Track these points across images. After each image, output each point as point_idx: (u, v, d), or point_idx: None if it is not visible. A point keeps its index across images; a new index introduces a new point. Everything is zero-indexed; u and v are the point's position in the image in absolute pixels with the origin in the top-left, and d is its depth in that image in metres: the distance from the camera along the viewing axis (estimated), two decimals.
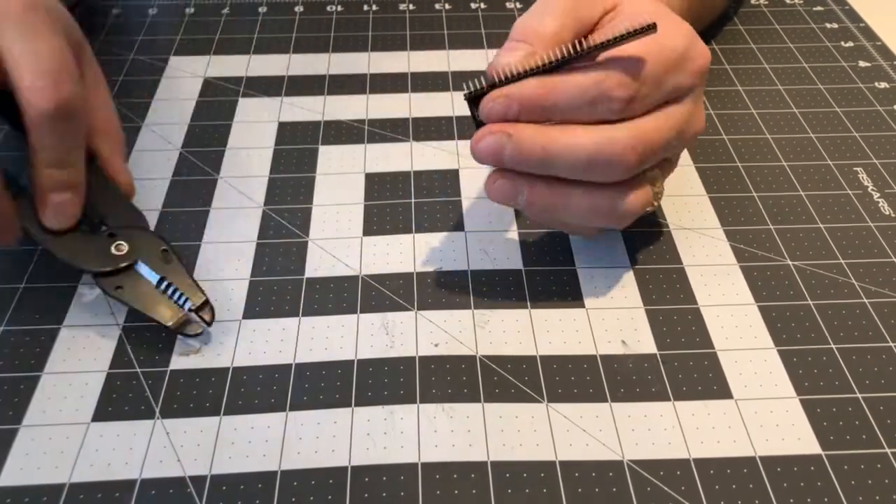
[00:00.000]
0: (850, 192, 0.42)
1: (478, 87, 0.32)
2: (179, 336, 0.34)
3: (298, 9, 0.56)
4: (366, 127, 0.46)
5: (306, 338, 0.34)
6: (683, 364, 0.34)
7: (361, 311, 0.36)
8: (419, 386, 0.33)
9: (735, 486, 0.29)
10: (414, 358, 0.34)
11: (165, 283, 0.34)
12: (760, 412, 0.32)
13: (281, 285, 0.37)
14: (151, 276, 0.34)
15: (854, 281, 0.37)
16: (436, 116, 0.46)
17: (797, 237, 0.39)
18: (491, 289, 0.37)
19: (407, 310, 0.36)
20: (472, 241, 0.39)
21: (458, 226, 0.40)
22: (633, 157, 0.31)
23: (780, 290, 0.37)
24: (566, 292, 0.36)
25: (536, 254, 0.38)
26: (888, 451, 0.31)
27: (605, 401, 0.32)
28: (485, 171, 0.37)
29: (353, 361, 0.34)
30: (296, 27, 0.54)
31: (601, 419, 0.31)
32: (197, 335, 0.34)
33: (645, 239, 0.39)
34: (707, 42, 0.51)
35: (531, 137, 0.32)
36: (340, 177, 0.43)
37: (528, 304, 0.36)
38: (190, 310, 0.33)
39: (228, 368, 0.33)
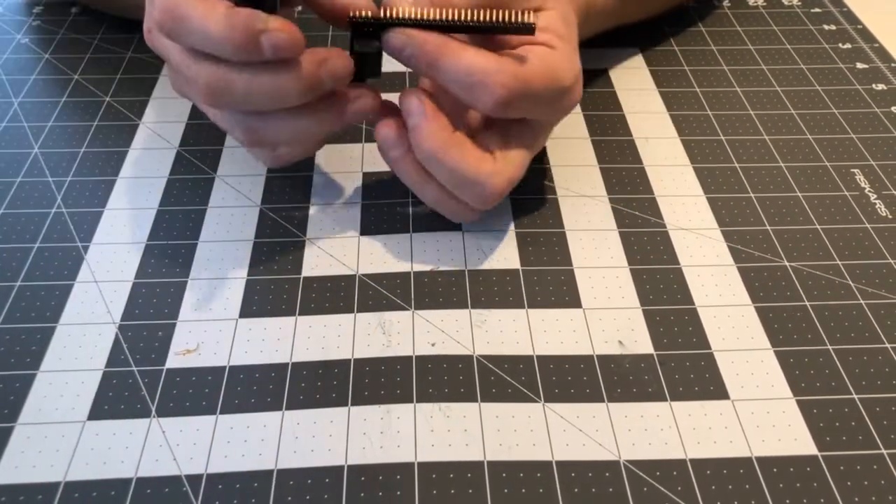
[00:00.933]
0: (847, 193, 0.42)
1: (367, 15, 0.34)
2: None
3: (297, 8, 0.56)
4: (364, 126, 0.46)
5: (303, 337, 0.34)
6: (680, 364, 0.34)
7: (358, 311, 0.36)
8: (416, 385, 0.32)
9: (731, 487, 0.29)
10: (411, 357, 0.34)
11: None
12: (757, 413, 0.32)
13: (278, 284, 0.37)
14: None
15: (851, 282, 0.37)
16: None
17: (794, 238, 0.39)
18: (488, 288, 0.37)
19: (404, 309, 0.36)
20: (470, 241, 0.39)
21: (456, 225, 0.40)
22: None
23: (777, 291, 0.37)
24: (563, 292, 0.36)
25: (533, 253, 0.38)
26: (884, 452, 0.31)
27: (602, 401, 0.32)
28: None
29: (349, 361, 0.33)
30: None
31: (598, 419, 0.31)
32: None
33: (642, 239, 0.39)
34: (702, 42, 0.51)
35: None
36: (338, 176, 0.43)
37: (525, 303, 0.36)
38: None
39: (225, 367, 0.33)
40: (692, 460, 0.30)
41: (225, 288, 0.36)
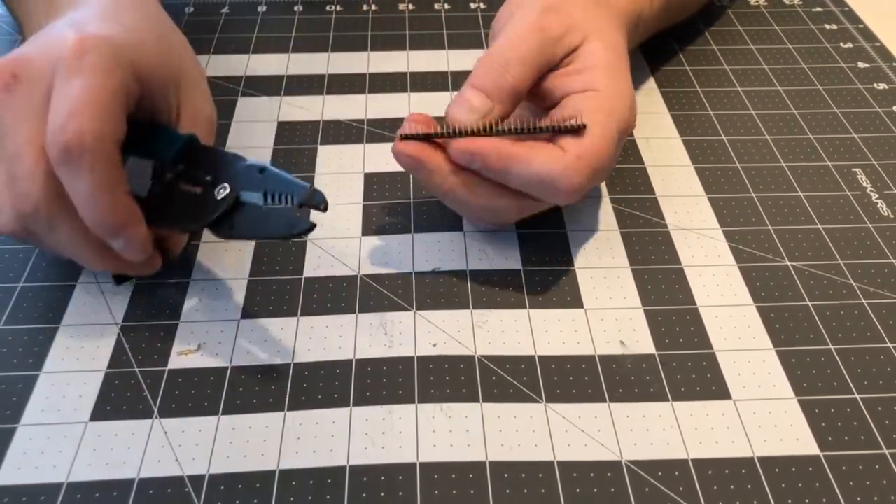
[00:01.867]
0: (848, 192, 0.42)
1: (418, 133, 0.35)
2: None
3: (298, 8, 0.56)
4: (365, 127, 0.46)
5: (305, 337, 0.34)
6: (682, 364, 0.34)
7: (360, 311, 0.36)
8: (417, 386, 0.33)
9: (733, 487, 0.29)
10: (412, 358, 0.34)
11: (269, 196, 0.32)
12: (759, 413, 0.32)
13: (280, 285, 0.37)
14: (257, 199, 0.32)
15: (853, 282, 0.37)
16: (435, 116, 0.46)
17: (796, 238, 0.39)
18: (490, 289, 0.37)
19: (405, 310, 0.36)
20: (471, 241, 0.39)
21: (457, 226, 0.40)
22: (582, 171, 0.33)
23: (779, 291, 0.37)
24: (565, 292, 0.36)
25: (535, 254, 0.38)
26: (886, 451, 0.31)
27: (604, 401, 0.32)
28: None
29: (351, 361, 0.33)
30: (295, 27, 0.54)
31: (599, 419, 0.31)
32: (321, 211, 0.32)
33: (643, 239, 0.39)
34: (704, 42, 0.51)
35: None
36: (339, 176, 0.43)
37: (527, 304, 0.36)
38: (299, 204, 0.31)
39: (227, 368, 0.33)
40: (694, 460, 0.30)
41: (227, 288, 0.36)
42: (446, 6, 0.57)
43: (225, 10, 0.56)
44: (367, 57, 0.51)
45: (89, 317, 0.35)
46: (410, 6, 0.57)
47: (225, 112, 0.47)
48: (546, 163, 0.33)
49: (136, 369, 0.33)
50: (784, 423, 0.31)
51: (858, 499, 0.29)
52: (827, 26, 0.55)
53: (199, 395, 0.32)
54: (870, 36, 0.54)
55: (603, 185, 0.42)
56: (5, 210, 0.31)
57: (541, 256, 0.38)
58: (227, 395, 0.32)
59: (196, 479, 0.30)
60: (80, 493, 0.29)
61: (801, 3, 0.58)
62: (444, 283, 0.37)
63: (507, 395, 0.32)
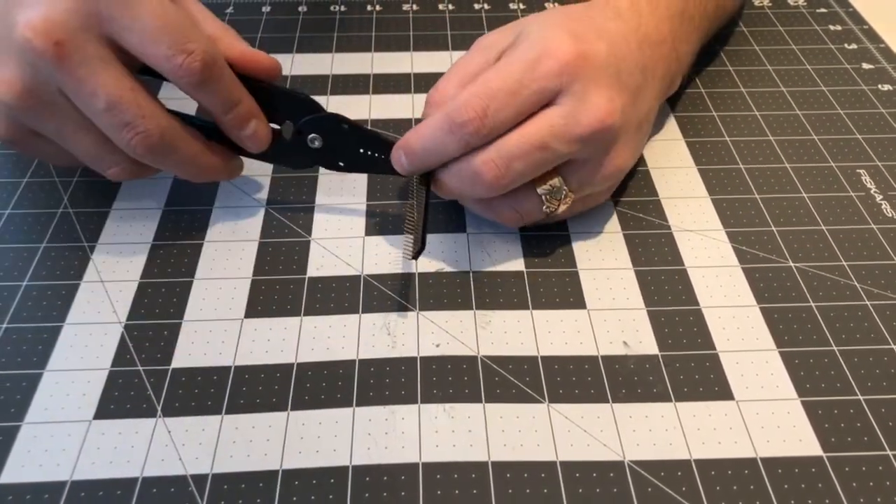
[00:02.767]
0: (852, 193, 0.42)
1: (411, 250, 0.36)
2: None
3: (302, 9, 0.56)
4: (368, 127, 0.46)
5: (308, 337, 0.35)
6: (685, 365, 0.33)
7: (363, 311, 0.36)
8: (420, 386, 0.33)
9: (736, 488, 0.29)
10: (415, 358, 0.34)
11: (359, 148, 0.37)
12: (762, 413, 0.32)
13: (283, 284, 0.37)
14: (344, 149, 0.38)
15: (856, 283, 0.37)
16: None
17: (799, 239, 0.39)
18: (492, 289, 0.37)
19: (408, 310, 0.36)
20: (474, 242, 0.39)
21: (460, 226, 0.40)
22: (489, 172, 0.34)
23: (782, 292, 0.37)
24: (567, 293, 0.36)
25: (538, 255, 0.38)
26: (889, 453, 0.31)
27: (607, 401, 0.32)
28: None
29: (354, 361, 0.34)
30: (299, 27, 0.54)
31: (602, 420, 0.31)
32: None
33: (647, 240, 0.39)
34: (709, 45, 0.51)
35: (416, 158, 0.36)
36: (343, 176, 0.43)
37: (530, 304, 0.36)
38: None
39: (230, 367, 0.33)
40: (697, 461, 0.30)
41: (230, 288, 0.37)
42: (450, 7, 0.57)
43: (229, 10, 0.56)
44: (371, 58, 0.52)
45: (93, 315, 0.35)
46: (414, 7, 0.57)
47: None
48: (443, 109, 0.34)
49: (140, 368, 0.33)
50: (787, 424, 0.31)
51: (861, 500, 0.29)
52: (831, 27, 0.55)
53: (203, 394, 0.32)
54: (874, 37, 0.54)
55: None
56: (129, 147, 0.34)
57: (544, 258, 0.38)
58: (230, 394, 0.32)
59: (199, 479, 0.30)
60: (83, 492, 0.29)
61: (805, 3, 0.58)
62: (448, 284, 0.37)
63: (510, 395, 0.32)
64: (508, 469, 0.30)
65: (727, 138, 0.45)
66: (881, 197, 0.42)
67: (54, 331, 0.35)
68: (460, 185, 0.35)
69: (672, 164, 0.43)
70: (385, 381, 0.33)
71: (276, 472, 0.30)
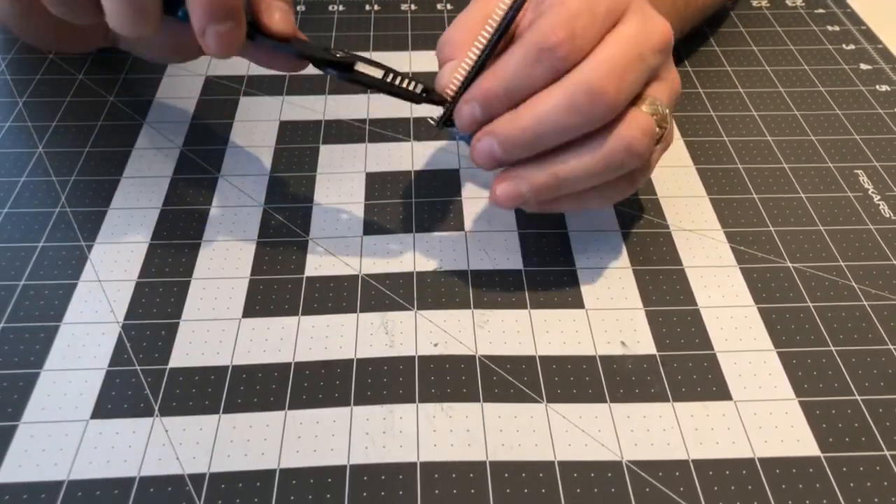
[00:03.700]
0: (850, 194, 0.42)
1: (437, 116, 0.35)
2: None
3: (300, 8, 0.56)
4: (367, 126, 0.46)
5: (306, 337, 0.34)
6: (683, 365, 0.34)
7: (361, 311, 0.36)
8: (418, 385, 0.33)
9: (734, 488, 0.29)
10: (413, 357, 0.34)
11: (391, 75, 0.34)
12: (760, 414, 0.32)
13: (281, 284, 0.37)
14: (376, 73, 0.34)
15: (854, 283, 0.37)
16: (437, 116, 0.46)
17: (797, 239, 0.39)
18: (491, 289, 0.37)
19: (407, 309, 0.36)
20: (472, 241, 0.39)
21: (459, 225, 0.40)
22: (609, 85, 0.31)
23: (780, 292, 0.37)
24: (566, 293, 0.36)
25: (536, 254, 0.38)
26: (887, 453, 0.31)
27: (605, 401, 0.32)
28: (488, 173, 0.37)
29: (352, 360, 0.34)
30: (297, 26, 0.54)
31: (600, 420, 0.31)
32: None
33: (645, 240, 0.39)
34: (707, 45, 0.51)
35: (509, 125, 0.32)
36: (341, 176, 0.43)
37: (528, 304, 0.36)
38: (423, 91, 0.34)
39: (228, 367, 0.33)
40: (694, 461, 0.30)
41: (228, 287, 0.36)
42: (448, 6, 0.57)
43: None
44: (370, 57, 0.51)
45: (91, 315, 0.35)
46: (413, 6, 0.57)
47: (227, 112, 0.47)
48: (525, 37, 0.32)
49: (138, 367, 0.33)
50: (785, 424, 0.31)
51: (859, 500, 0.29)
52: (829, 28, 0.55)
53: (200, 393, 0.32)
54: (872, 38, 0.54)
55: None
56: None
57: (542, 257, 0.38)
58: (227, 393, 0.32)
59: (197, 478, 0.30)
60: (80, 491, 0.29)
61: (803, 4, 0.58)
62: (446, 283, 0.37)
63: (508, 395, 0.32)
64: (506, 469, 0.30)
65: (725, 138, 0.45)
66: (879, 197, 0.42)
67: (51, 330, 0.34)
68: (569, 118, 0.31)
69: (670, 163, 0.43)
70: (383, 381, 0.33)
71: (274, 471, 0.30)
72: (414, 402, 0.32)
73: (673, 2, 0.44)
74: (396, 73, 0.34)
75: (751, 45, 0.53)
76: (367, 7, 0.57)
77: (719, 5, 0.54)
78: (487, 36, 0.33)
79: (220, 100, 0.48)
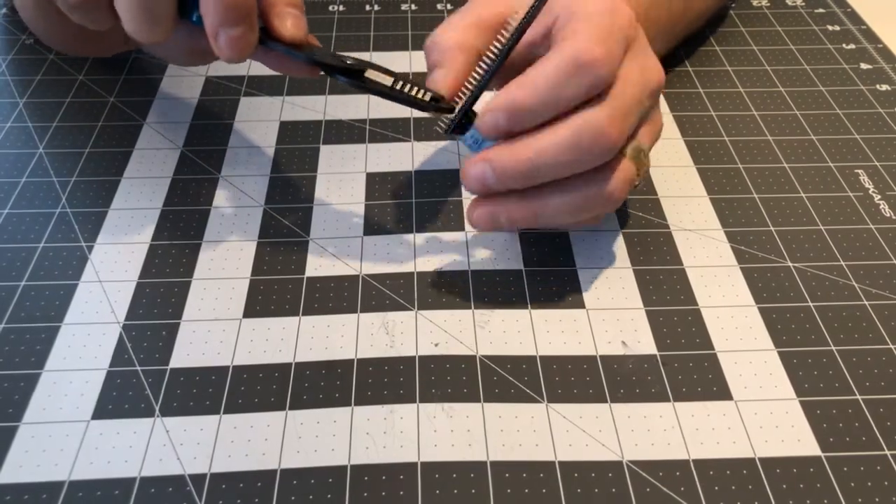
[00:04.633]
0: (850, 193, 0.42)
1: (447, 121, 0.34)
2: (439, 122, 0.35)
3: None
4: (367, 126, 0.46)
5: (306, 337, 0.34)
6: (683, 365, 0.34)
7: (362, 311, 0.36)
8: (419, 385, 0.33)
9: (734, 488, 0.29)
10: (414, 357, 0.34)
11: (400, 83, 0.34)
12: (760, 413, 0.32)
13: (281, 284, 0.37)
14: (385, 80, 0.34)
15: (854, 283, 0.37)
16: (445, 123, 0.46)
17: (798, 239, 0.39)
18: (491, 289, 0.37)
19: (407, 309, 0.36)
20: (473, 242, 0.39)
21: (459, 226, 0.40)
22: (614, 127, 0.31)
23: (781, 292, 0.37)
24: (566, 293, 0.36)
25: (537, 254, 0.38)
26: (888, 453, 0.31)
27: (605, 401, 0.32)
28: None
29: (353, 361, 0.34)
30: None
31: (601, 419, 0.31)
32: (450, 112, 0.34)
33: (645, 240, 0.39)
34: (706, 43, 0.51)
35: (508, 155, 0.32)
36: (341, 176, 0.43)
37: (529, 304, 0.36)
38: (432, 99, 0.34)
39: (228, 367, 0.33)
40: (695, 461, 0.30)
41: (228, 288, 0.36)
42: (449, 6, 0.57)
43: None
44: (370, 57, 0.52)
45: (91, 315, 0.35)
46: (413, 6, 0.57)
47: (227, 112, 0.47)
48: (564, 49, 0.31)
49: (138, 368, 0.33)
50: (785, 424, 0.31)
51: (860, 500, 0.29)
52: (829, 27, 0.55)
53: (201, 394, 0.32)
54: (872, 37, 0.54)
55: None
56: None
57: (542, 257, 0.38)
58: (228, 394, 0.32)
59: (197, 478, 0.30)
60: (81, 492, 0.29)
61: (803, 4, 0.58)
62: (446, 283, 0.37)
63: (509, 395, 0.32)
64: (507, 469, 0.30)
65: (726, 138, 0.45)
66: (879, 197, 0.42)
67: (52, 331, 0.35)
68: (570, 156, 0.31)
69: (671, 163, 0.44)
70: (383, 381, 0.33)
71: (275, 471, 0.30)
72: (415, 402, 0.32)
73: (668, 21, 0.44)
74: (405, 81, 0.34)
75: (751, 44, 0.53)
76: (367, 7, 0.57)
77: (712, 12, 0.54)
78: (500, 46, 0.33)
79: (220, 100, 0.48)
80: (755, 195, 0.42)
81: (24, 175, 0.42)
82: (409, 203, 0.41)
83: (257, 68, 0.50)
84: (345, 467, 0.30)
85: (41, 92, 0.48)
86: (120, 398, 0.32)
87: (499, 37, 0.33)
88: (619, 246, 0.39)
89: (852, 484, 0.30)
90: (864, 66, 0.51)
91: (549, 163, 0.32)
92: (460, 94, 0.34)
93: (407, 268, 0.38)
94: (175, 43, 0.35)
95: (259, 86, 0.49)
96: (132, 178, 0.42)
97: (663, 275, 0.37)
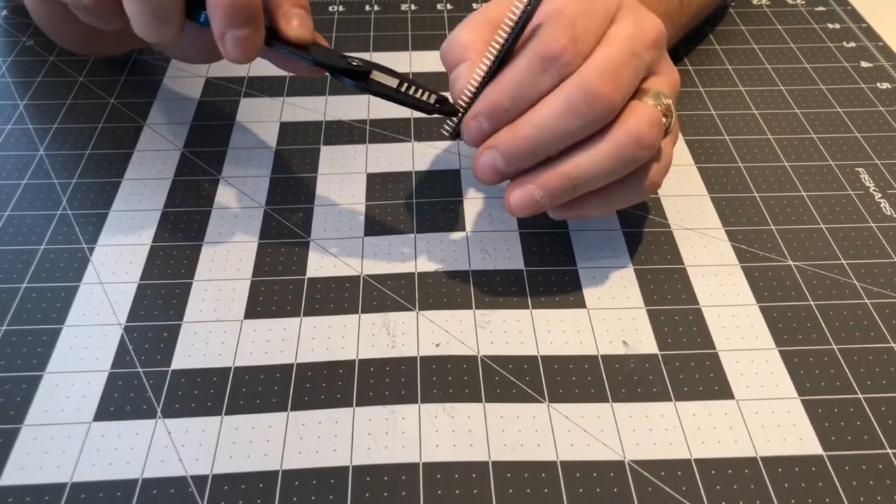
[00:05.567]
0: (851, 192, 0.42)
1: (451, 125, 0.35)
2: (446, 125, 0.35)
3: None
4: (367, 127, 0.46)
5: (308, 338, 0.35)
6: (685, 364, 0.34)
7: (363, 311, 0.36)
8: (420, 386, 0.33)
9: (736, 487, 0.29)
10: (415, 358, 0.34)
11: (406, 84, 0.34)
12: (762, 412, 0.32)
13: (282, 285, 0.37)
14: (390, 81, 0.34)
15: (855, 281, 0.37)
16: (437, 117, 0.46)
17: (799, 237, 0.39)
18: (492, 289, 0.37)
19: (408, 310, 0.36)
20: (474, 241, 0.39)
21: (460, 226, 0.40)
22: (605, 85, 0.31)
23: (782, 291, 0.37)
24: (567, 292, 0.36)
25: (537, 254, 0.38)
26: (889, 451, 0.31)
27: (607, 401, 0.32)
28: None
29: (354, 361, 0.34)
30: None
31: (602, 419, 0.32)
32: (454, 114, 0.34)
33: (646, 239, 0.39)
34: (706, 42, 0.51)
35: (509, 136, 0.32)
36: (342, 177, 0.43)
37: (530, 304, 0.36)
38: (437, 102, 0.34)
39: (230, 368, 0.33)
40: (697, 460, 0.30)
41: (230, 289, 0.37)
42: (448, 6, 0.57)
43: None
44: (370, 58, 0.51)
45: (93, 317, 0.35)
46: (413, 6, 0.57)
47: (227, 113, 0.47)
48: (528, 47, 0.32)
49: (140, 369, 0.33)
50: (787, 423, 0.31)
51: (862, 499, 0.29)
52: (830, 25, 0.55)
53: (203, 395, 0.32)
54: (873, 35, 0.54)
55: None
56: None
57: (543, 256, 0.38)
58: (230, 395, 0.32)
59: (199, 479, 0.30)
60: (83, 494, 0.29)
61: (803, 2, 0.58)
62: (447, 284, 0.37)
63: (510, 395, 0.32)
64: (509, 469, 0.30)
65: (726, 137, 0.45)
66: (880, 195, 0.42)
67: (54, 333, 0.35)
68: (568, 122, 0.31)
69: (671, 162, 0.43)
70: (385, 381, 0.33)
71: (277, 472, 0.30)
72: (416, 402, 0.32)
73: (665, 8, 0.44)
74: (410, 83, 0.34)
75: (751, 43, 0.53)
76: (367, 7, 0.57)
77: (716, 6, 0.54)
78: (498, 45, 0.33)
79: (220, 101, 0.48)
80: (756, 194, 0.42)
81: (25, 177, 0.42)
82: (409, 203, 0.41)
83: (257, 69, 0.50)
84: (347, 468, 0.30)
85: (42, 94, 0.48)
86: (121, 400, 0.32)
87: (494, 39, 0.33)
88: (620, 245, 0.39)
89: (854, 483, 0.30)
90: (864, 64, 0.51)
91: (551, 133, 0.32)
92: (463, 97, 0.34)
93: (408, 268, 0.38)
94: (186, 42, 0.35)
95: (259, 87, 0.49)
96: (133, 180, 0.42)
97: (664, 274, 0.37)
